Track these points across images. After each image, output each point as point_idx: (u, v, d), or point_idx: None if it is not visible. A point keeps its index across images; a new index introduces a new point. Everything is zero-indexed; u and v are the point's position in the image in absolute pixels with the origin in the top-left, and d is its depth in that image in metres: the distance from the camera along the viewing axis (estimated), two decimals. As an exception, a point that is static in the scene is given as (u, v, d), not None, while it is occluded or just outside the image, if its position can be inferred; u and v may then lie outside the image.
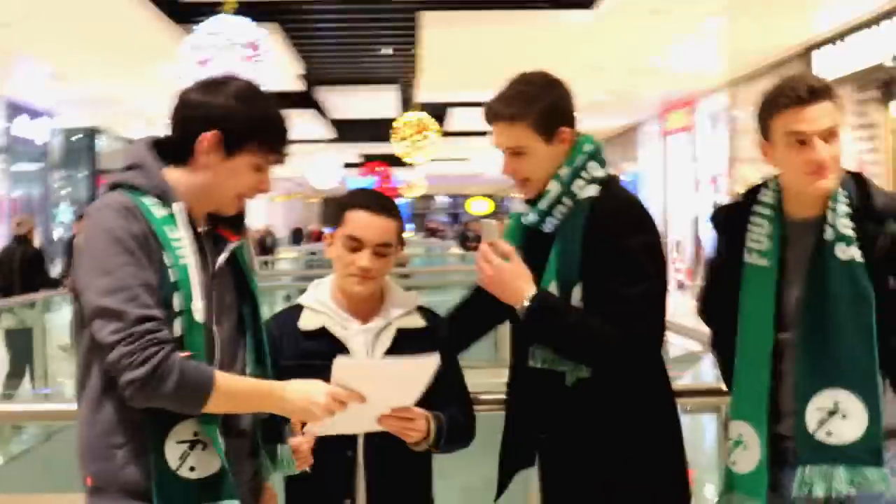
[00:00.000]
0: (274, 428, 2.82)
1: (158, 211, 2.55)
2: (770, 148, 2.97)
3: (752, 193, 3.12)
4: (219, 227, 2.73)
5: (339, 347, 3.04)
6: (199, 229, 2.64)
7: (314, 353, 3.02)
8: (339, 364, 2.70)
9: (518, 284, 2.98)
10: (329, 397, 2.62)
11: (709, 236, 20.00)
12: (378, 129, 27.92)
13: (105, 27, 13.87)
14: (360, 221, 3.09)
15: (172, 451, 2.50)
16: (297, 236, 39.89)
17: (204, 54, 10.15)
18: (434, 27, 14.82)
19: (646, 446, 3.05)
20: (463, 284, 10.94)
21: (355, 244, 3.08)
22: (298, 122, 25.00)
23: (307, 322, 3.16)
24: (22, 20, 13.07)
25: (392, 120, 22.88)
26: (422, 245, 30.14)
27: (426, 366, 2.80)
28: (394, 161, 32.78)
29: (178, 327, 2.50)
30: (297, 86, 21.38)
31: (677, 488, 3.13)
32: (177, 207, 2.57)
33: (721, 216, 3.27)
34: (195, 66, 10.03)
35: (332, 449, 3.01)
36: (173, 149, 2.64)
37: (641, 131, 27.34)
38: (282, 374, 2.81)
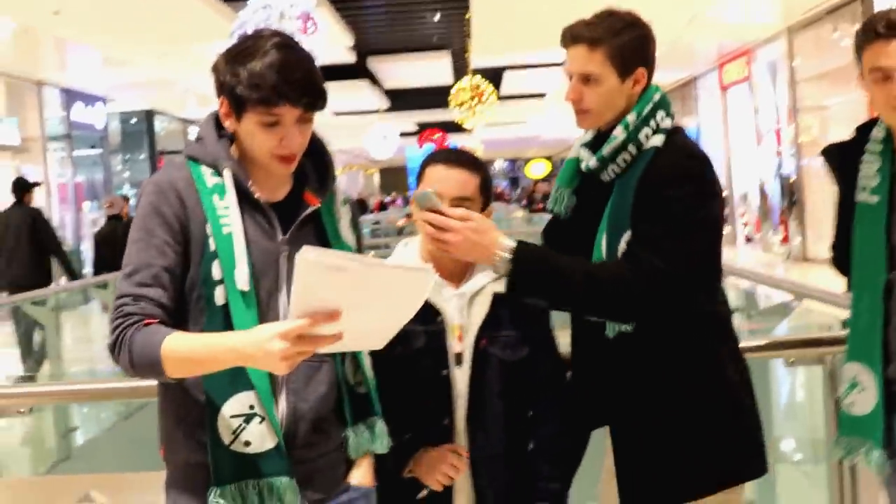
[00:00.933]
0: (363, 399, 2.71)
1: (210, 180, 2.54)
2: (863, 83, 2.94)
3: (865, 129, 3.04)
4: (305, 193, 2.66)
5: (431, 313, 2.92)
6: (258, 195, 2.56)
7: None
8: (305, 259, 2.11)
9: (488, 238, 2.74)
10: (282, 339, 2.19)
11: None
12: (433, 97, 27.91)
13: (153, 9, 13.85)
14: (436, 175, 2.98)
15: (226, 426, 2.44)
16: (362, 207, 39.95)
17: (256, 29, 10.06)
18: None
19: (704, 401, 2.93)
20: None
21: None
22: (352, 93, 25.60)
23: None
24: (71, 7, 13.12)
25: (446, 87, 22.78)
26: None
27: (418, 280, 2.29)
28: (450, 128, 32.77)
29: (219, 295, 2.46)
30: (348, 57, 21.38)
31: (747, 442, 2.99)
32: (226, 174, 2.54)
33: (834, 154, 3.17)
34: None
35: (428, 368, 2.96)
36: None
37: (699, 85, 26.96)
38: None
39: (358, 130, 31.92)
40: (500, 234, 2.76)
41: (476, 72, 22.38)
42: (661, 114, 2.94)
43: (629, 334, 2.88)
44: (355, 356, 2.68)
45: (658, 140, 2.91)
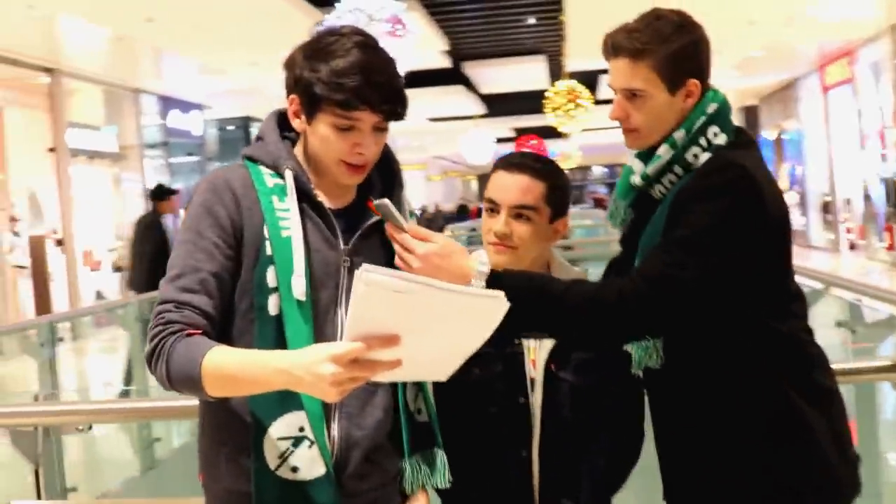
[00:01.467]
0: (423, 427, 2.52)
1: (270, 181, 2.40)
2: None
3: None
4: (369, 201, 2.50)
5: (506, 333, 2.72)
6: (320, 199, 2.41)
7: None
8: (366, 279, 1.89)
9: (454, 264, 2.44)
10: (334, 363, 1.96)
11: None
12: (529, 102, 27.68)
13: (244, 16, 13.89)
14: (497, 181, 2.80)
15: (272, 448, 2.26)
16: (461, 213, 39.89)
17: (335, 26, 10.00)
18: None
19: (759, 439, 2.58)
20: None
21: (491, 206, 2.80)
22: (447, 99, 25.54)
23: None
24: (163, 15, 13.21)
25: (542, 91, 22.57)
26: (585, 216, 29.77)
27: (489, 307, 2.03)
28: (547, 133, 32.49)
29: (272, 305, 2.30)
30: (443, 62, 21.29)
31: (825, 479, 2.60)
32: (287, 175, 2.39)
33: None
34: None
35: (504, 394, 2.77)
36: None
37: (800, 87, 26.33)
38: None
39: (454, 136, 31.86)
40: (468, 259, 2.47)
41: (571, 75, 22.15)
42: (713, 129, 2.63)
43: (658, 371, 2.61)
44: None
45: (707, 158, 2.62)
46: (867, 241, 21.54)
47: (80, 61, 17.15)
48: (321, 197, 2.41)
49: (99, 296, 18.32)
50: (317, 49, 2.34)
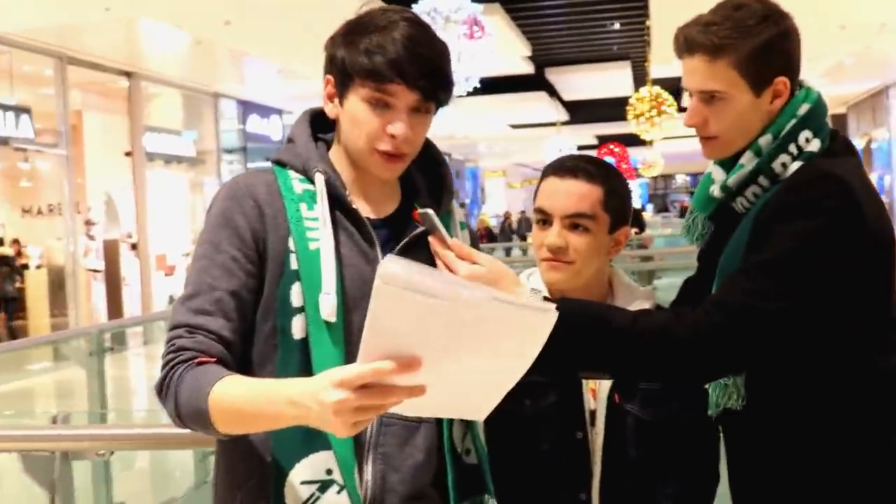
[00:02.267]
0: (472, 471, 2.14)
1: (299, 186, 2.08)
2: None
3: None
4: (414, 210, 2.16)
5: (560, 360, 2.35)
6: (356, 206, 2.08)
7: (534, 367, 2.38)
8: (386, 273, 1.49)
9: (503, 291, 2.10)
10: (340, 388, 1.57)
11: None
12: (612, 109, 27.39)
13: (321, 20, 13.61)
14: (548, 188, 2.44)
15: (294, 495, 1.92)
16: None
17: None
18: (664, -5, 14.08)
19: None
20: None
21: (543, 217, 2.43)
22: (529, 105, 25.34)
23: None
24: (241, 19, 13.07)
25: (626, 98, 22.24)
26: (667, 225, 29.39)
27: (536, 323, 1.59)
28: (629, 141, 32.16)
29: (297, 327, 1.97)
30: (525, 68, 21.05)
31: None
32: (317, 179, 2.06)
33: None
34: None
35: (559, 429, 2.40)
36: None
37: (891, 94, 25.62)
38: None
39: (536, 143, 31.63)
40: (518, 286, 2.15)
41: (656, 82, 21.75)
42: (805, 134, 2.23)
43: (738, 413, 2.22)
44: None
45: (797, 167, 2.22)
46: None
47: (159, 65, 17.15)
48: (357, 204, 2.08)
49: (172, 300, 18.25)
50: (357, 24, 2.05)
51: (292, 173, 2.09)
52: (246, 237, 2.01)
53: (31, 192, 17.40)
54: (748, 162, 2.23)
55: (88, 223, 17.25)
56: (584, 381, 2.39)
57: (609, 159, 37.05)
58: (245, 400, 1.81)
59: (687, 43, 2.26)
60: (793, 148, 2.21)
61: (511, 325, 1.57)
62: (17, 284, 16.81)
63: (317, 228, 2.01)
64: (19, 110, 14.73)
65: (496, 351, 1.59)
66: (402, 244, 2.09)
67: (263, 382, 1.84)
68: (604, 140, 37.39)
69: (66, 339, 8.12)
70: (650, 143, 28.99)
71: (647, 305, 2.45)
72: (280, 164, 2.12)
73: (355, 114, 2.03)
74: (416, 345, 1.53)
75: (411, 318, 1.51)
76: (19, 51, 14.26)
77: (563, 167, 2.42)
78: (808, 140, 2.22)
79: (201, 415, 1.84)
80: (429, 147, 2.20)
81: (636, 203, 35.31)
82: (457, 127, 29.48)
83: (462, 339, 1.54)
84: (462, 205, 42.19)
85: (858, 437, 2.16)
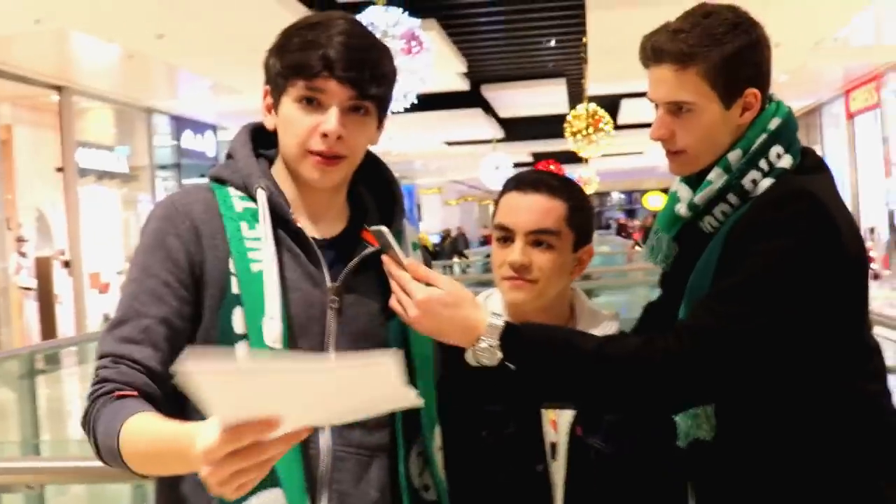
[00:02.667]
0: None
1: (239, 204, 1.99)
2: None
3: None
4: (364, 231, 2.09)
5: (519, 388, 2.24)
6: (300, 226, 2.00)
7: (492, 397, 2.30)
8: (185, 373, 1.33)
9: (462, 315, 2.02)
10: (207, 463, 1.46)
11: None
12: (547, 126, 27.41)
13: (257, 35, 13.48)
14: (509, 203, 2.36)
15: None
16: (486, 239, 39.63)
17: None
18: (600, 10, 14.10)
19: None
20: (649, 283, 10.09)
21: (504, 234, 2.35)
22: (465, 122, 25.30)
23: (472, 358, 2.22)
24: (174, 32, 12.92)
25: (562, 116, 22.30)
26: (604, 243, 29.38)
27: (374, 374, 1.44)
28: (565, 158, 32.23)
29: (240, 355, 1.85)
30: (461, 84, 20.99)
31: None
32: (259, 196, 1.97)
33: None
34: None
35: (518, 461, 2.30)
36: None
37: (824, 112, 25.91)
38: (451, 422, 2.15)
39: (472, 160, 31.60)
40: (478, 311, 2.05)
41: (592, 99, 21.82)
42: (776, 150, 2.17)
43: (709, 444, 2.15)
44: (424, 450, 2.04)
45: (768, 185, 2.15)
46: (892, 271, 21.10)
47: (90, 79, 16.88)
48: (302, 223, 2.00)
49: (106, 319, 17.98)
50: (291, 27, 2.01)
51: (232, 191, 2.01)
52: (180, 260, 1.92)
53: (-41, 208, 17.07)
54: (717, 179, 2.17)
55: (20, 240, 16.94)
56: (544, 412, 2.30)
57: (545, 176, 37.27)
58: (153, 438, 1.71)
59: (654, 51, 2.19)
60: (763, 164, 2.16)
61: (356, 381, 1.45)
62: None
63: (259, 249, 1.93)
64: (-54, 125, 14.46)
65: (350, 397, 1.48)
66: (350, 266, 2.01)
67: (172, 424, 1.70)
68: (539, 157, 37.47)
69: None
70: (586, 160, 29.07)
71: (611, 330, 2.38)
72: (219, 180, 2.04)
73: (288, 116, 1.97)
74: (266, 407, 1.42)
75: (248, 391, 1.38)
76: (-54, 64, 14.00)
77: (525, 181, 2.36)
78: (779, 156, 2.17)
79: (113, 453, 1.75)
80: (377, 165, 2.15)
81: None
82: (392, 144, 29.39)
83: (310, 396, 1.43)
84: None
85: (837, 471, 2.10)
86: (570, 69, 22.14)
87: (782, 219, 2.05)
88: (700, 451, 2.20)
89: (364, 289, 2.04)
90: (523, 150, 36.49)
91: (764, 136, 2.18)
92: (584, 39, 17.10)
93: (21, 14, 11.69)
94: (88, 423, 1.82)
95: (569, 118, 21.61)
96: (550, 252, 2.32)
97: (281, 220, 1.98)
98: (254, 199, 1.98)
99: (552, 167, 35.52)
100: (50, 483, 3.23)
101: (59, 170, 17.06)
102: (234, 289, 1.90)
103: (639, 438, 2.32)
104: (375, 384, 1.45)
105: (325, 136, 1.95)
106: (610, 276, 14.85)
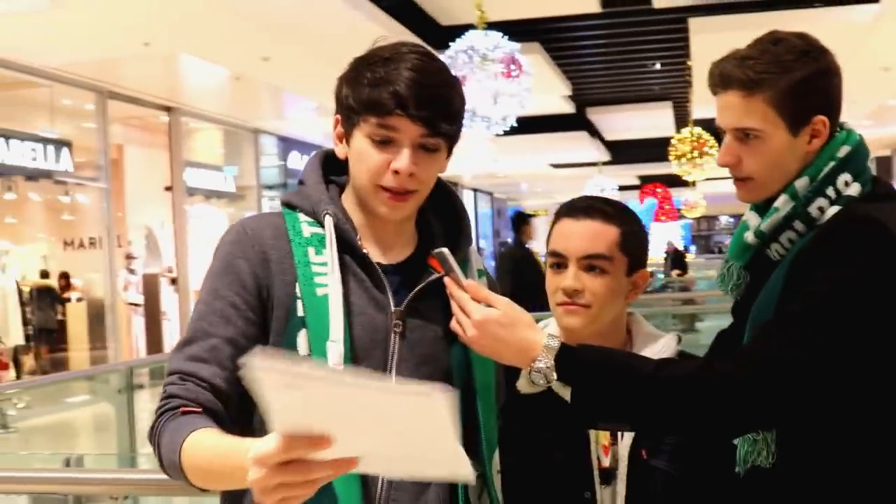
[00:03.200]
0: None
1: (307, 230, 2.03)
2: None
3: None
4: (430, 256, 2.11)
5: (569, 415, 2.21)
6: (366, 251, 2.04)
7: (541, 423, 2.31)
8: (250, 371, 1.40)
9: (518, 336, 2.02)
10: (259, 466, 1.50)
11: None
12: (654, 149, 27.20)
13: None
14: (561, 231, 2.37)
15: None
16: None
17: (458, 73, 9.77)
18: (704, 34, 14.00)
19: None
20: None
21: (558, 260, 2.36)
22: (570, 145, 25.25)
23: (528, 383, 2.22)
24: (279, 55, 13.14)
25: (668, 139, 22.11)
26: (710, 267, 29.06)
27: (422, 406, 1.44)
28: (672, 182, 31.95)
29: (306, 362, 1.90)
30: (566, 107, 20.98)
31: None
32: (327, 222, 2.02)
33: None
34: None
35: (566, 488, 2.30)
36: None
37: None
38: (508, 447, 2.15)
39: (578, 182, 31.53)
40: (535, 331, 2.04)
41: (697, 122, 21.61)
42: (844, 177, 2.13)
43: (768, 471, 2.10)
44: (483, 472, 2.04)
45: (834, 212, 2.12)
46: None
47: (198, 100, 17.23)
48: (368, 249, 2.04)
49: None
50: (363, 59, 2.03)
51: (301, 216, 2.06)
52: (247, 282, 1.97)
53: (73, 225, 17.48)
54: (783, 206, 2.15)
55: (129, 257, 17.34)
56: (594, 439, 2.30)
57: (652, 200, 36.90)
58: (215, 453, 1.76)
59: (722, 77, 2.18)
60: (830, 191, 2.13)
61: (403, 410, 1.46)
62: (59, 317, 16.90)
63: (325, 273, 1.97)
64: (60, 143, 14.83)
65: (402, 428, 1.48)
66: (414, 291, 2.04)
67: (232, 440, 1.76)
68: (646, 181, 37.19)
69: (95, 375, 8.08)
70: (693, 183, 28.77)
71: (668, 354, 2.36)
72: (290, 206, 2.08)
73: (360, 150, 1.99)
74: (321, 423, 1.45)
75: (301, 404, 1.43)
76: (60, 84, 14.36)
77: (577, 208, 2.37)
78: (847, 184, 2.14)
79: (175, 466, 1.80)
80: (447, 193, 2.17)
81: (679, 244, 35.12)
82: (498, 166, 29.45)
83: (362, 420, 1.45)
84: (504, 244, 42.10)
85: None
86: (676, 92, 21.98)
87: (846, 246, 2.02)
88: (757, 479, 2.17)
89: (428, 314, 2.07)
90: (630, 174, 36.28)
91: (832, 163, 2.15)
92: (688, 62, 16.97)
93: (131, 37, 12.00)
94: (154, 436, 1.88)
95: (673, 142, 21.40)
96: (603, 277, 2.32)
97: (347, 246, 2.02)
98: (322, 224, 2.03)
99: (658, 191, 35.31)
100: (127, 494, 3.32)
101: (168, 189, 17.42)
102: (300, 312, 1.94)
103: (704, 460, 2.29)
104: (426, 417, 1.46)
105: (396, 173, 1.97)
106: (714, 300, 14.63)
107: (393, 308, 2.02)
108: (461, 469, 1.55)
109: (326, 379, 1.43)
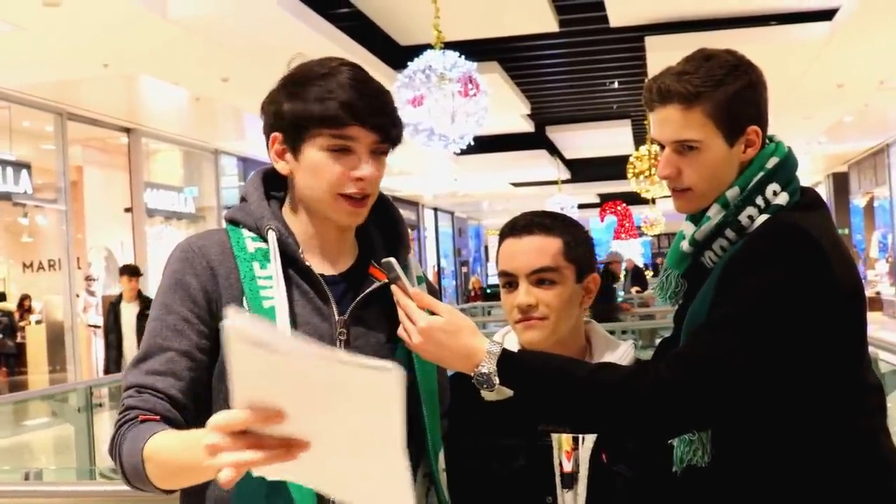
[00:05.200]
0: None
1: (251, 245, 2.11)
2: None
3: None
4: (371, 267, 2.19)
5: (533, 422, 2.33)
6: (308, 264, 2.10)
7: (503, 430, 2.36)
8: (229, 326, 1.44)
9: (462, 343, 2.09)
10: (216, 431, 1.52)
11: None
12: (614, 167, 27.41)
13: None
14: (506, 252, 2.44)
15: None
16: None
17: (416, 93, 9.82)
18: (661, 52, 14.14)
19: None
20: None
21: (508, 279, 2.43)
22: (530, 163, 25.35)
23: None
24: (239, 75, 13.15)
25: (627, 157, 22.28)
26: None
27: (376, 382, 1.47)
28: (632, 199, 32.13)
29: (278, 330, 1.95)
30: (525, 126, 21.09)
31: None
32: (270, 237, 2.09)
33: None
34: (407, 107, 9.69)
35: (527, 493, 2.35)
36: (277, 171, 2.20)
37: (892, 152, 25.57)
38: (462, 455, 2.23)
39: (539, 201, 31.63)
40: (477, 338, 2.11)
41: (655, 140, 21.78)
42: (772, 187, 2.22)
43: (704, 470, 2.19)
44: (430, 472, 2.13)
45: (763, 220, 2.21)
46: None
47: (158, 121, 17.23)
48: (311, 260, 2.11)
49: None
50: (296, 76, 2.09)
51: (245, 232, 2.12)
52: (198, 298, 2.04)
53: (32, 247, 17.41)
54: (715, 214, 2.23)
55: (88, 279, 17.25)
56: (556, 444, 2.35)
57: (612, 218, 37.04)
58: (172, 451, 1.81)
59: (660, 92, 2.26)
60: (760, 201, 2.22)
61: (357, 385, 1.50)
62: (19, 340, 16.82)
63: (270, 287, 2.03)
64: (19, 165, 14.78)
65: (355, 413, 1.52)
66: (357, 300, 2.11)
67: (187, 432, 1.83)
68: (606, 198, 37.37)
69: (54, 395, 8.10)
70: (652, 201, 28.96)
71: (627, 358, 2.44)
72: (233, 222, 2.15)
73: (315, 163, 2.05)
74: (278, 397, 1.50)
75: (266, 371, 1.48)
76: (19, 106, 14.33)
77: (518, 226, 2.44)
78: (775, 193, 2.23)
79: (138, 471, 1.85)
80: (385, 203, 2.24)
81: (639, 262, 35.26)
82: (458, 185, 29.52)
83: (316, 396, 1.50)
84: (465, 263, 42.16)
85: (825, 501, 2.13)
86: (634, 110, 22.16)
87: (773, 252, 2.10)
88: (694, 478, 2.24)
89: (371, 321, 2.14)
90: (590, 192, 36.46)
91: (761, 174, 2.24)
92: (646, 80, 17.09)
93: (90, 59, 12.00)
94: (115, 448, 1.93)
95: (631, 159, 21.55)
96: (554, 288, 2.38)
97: (291, 259, 2.09)
98: (265, 239, 2.10)
99: (619, 208, 35.47)
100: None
101: (128, 210, 17.37)
102: None
103: (664, 464, 2.33)
104: (378, 395, 1.49)
105: (360, 180, 2.05)
106: (673, 316, 14.76)
107: (337, 317, 2.09)
108: (402, 486, 1.56)
109: (292, 344, 1.47)
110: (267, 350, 1.45)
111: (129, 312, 12.24)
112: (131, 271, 12.57)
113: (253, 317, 1.52)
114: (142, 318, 11.72)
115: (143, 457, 1.84)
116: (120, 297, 12.51)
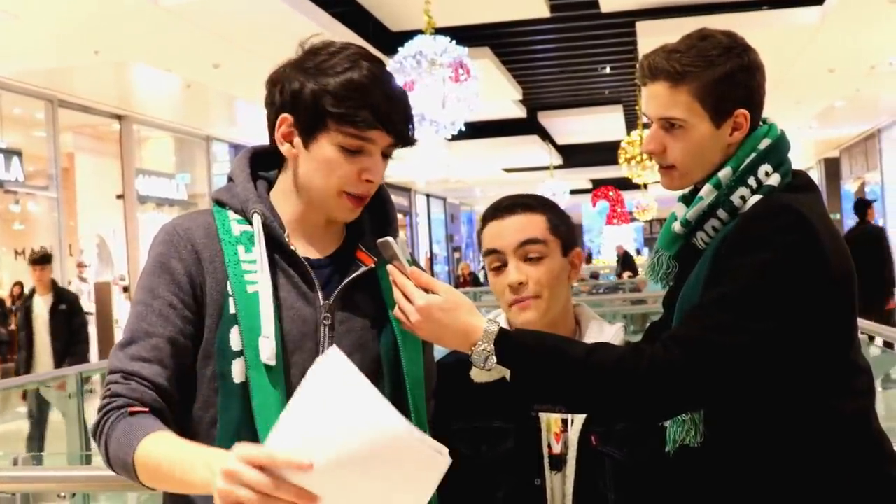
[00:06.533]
0: None
1: (237, 228, 2.08)
2: None
3: None
4: (358, 251, 2.17)
5: (524, 405, 2.31)
6: (293, 248, 2.09)
7: (493, 413, 2.38)
8: (332, 356, 1.55)
9: (460, 321, 2.10)
10: (241, 461, 1.57)
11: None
12: (605, 153, 27.37)
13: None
14: (491, 232, 2.46)
15: None
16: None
17: (406, 79, 9.82)
18: (652, 37, 14.11)
19: None
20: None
21: (496, 257, 2.44)
22: (522, 149, 25.33)
23: (482, 372, 2.37)
24: (230, 62, 13.15)
25: (619, 142, 22.26)
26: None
27: (428, 460, 1.56)
28: (624, 185, 32.11)
29: (237, 371, 1.96)
30: (517, 112, 21.06)
31: None
32: (255, 221, 2.06)
33: None
34: (399, 92, 9.68)
35: (516, 475, 2.36)
36: (268, 149, 2.18)
37: (883, 137, 25.58)
38: (452, 439, 2.18)
39: (531, 187, 31.59)
40: (475, 316, 2.12)
41: (646, 125, 21.76)
42: (764, 168, 2.24)
43: (696, 450, 2.20)
44: None
45: (755, 201, 2.22)
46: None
47: (150, 108, 17.19)
48: (297, 244, 2.09)
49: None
50: (316, 61, 2.04)
51: (231, 214, 2.10)
52: (183, 282, 2.02)
53: (24, 234, 17.38)
54: (707, 195, 2.25)
55: (80, 266, 17.24)
56: (545, 427, 2.37)
57: (604, 203, 37.00)
58: (169, 457, 1.81)
59: (650, 69, 2.28)
60: (752, 181, 2.23)
61: (408, 457, 1.55)
62: (11, 327, 16.79)
63: (255, 271, 2.02)
64: (10, 153, 14.76)
65: (389, 479, 1.57)
66: (342, 284, 2.10)
67: (187, 445, 1.84)
68: (598, 184, 37.33)
69: (45, 381, 8.06)
70: (644, 186, 28.96)
71: (617, 339, 2.45)
72: (220, 203, 2.13)
73: (328, 159, 2.03)
74: (317, 446, 1.52)
75: (320, 416, 1.51)
76: (10, 93, 14.31)
77: (501, 208, 2.47)
78: (767, 174, 2.24)
79: (127, 467, 1.86)
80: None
81: (631, 248, 35.26)
82: (451, 171, 29.50)
83: (359, 454, 1.53)
84: (457, 249, 42.13)
85: (818, 481, 2.15)
86: (626, 95, 22.15)
87: (765, 233, 2.11)
88: (687, 458, 2.27)
89: (356, 305, 2.12)
90: (582, 177, 36.42)
91: (753, 155, 2.25)
92: (637, 66, 17.10)
93: (82, 46, 11.98)
94: (100, 434, 1.92)
95: (623, 144, 21.53)
96: (542, 263, 2.41)
97: (276, 243, 2.07)
98: (251, 222, 2.07)
99: (611, 193, 35.44)
100: (68, 491, 3.36)
101: (120, 197, 17.35)
102: (231, 309, 1.99)
103: (653, 447, 2.36)
104: (421, 471, 1.56)
105: (369, 181, 2.04)
106: (660, 298, 14.80)
107: (322, 301, 2.08)
108: None
109: (378, 398, 1.52)
110: (354, 389, 1.48)
111: (41, 307, 10.59)
112: (43, 259, 10.77)
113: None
114: (55, 312, 10.48)
115: (135, 458, 1.84)
116: (33, 291, 10.88)
